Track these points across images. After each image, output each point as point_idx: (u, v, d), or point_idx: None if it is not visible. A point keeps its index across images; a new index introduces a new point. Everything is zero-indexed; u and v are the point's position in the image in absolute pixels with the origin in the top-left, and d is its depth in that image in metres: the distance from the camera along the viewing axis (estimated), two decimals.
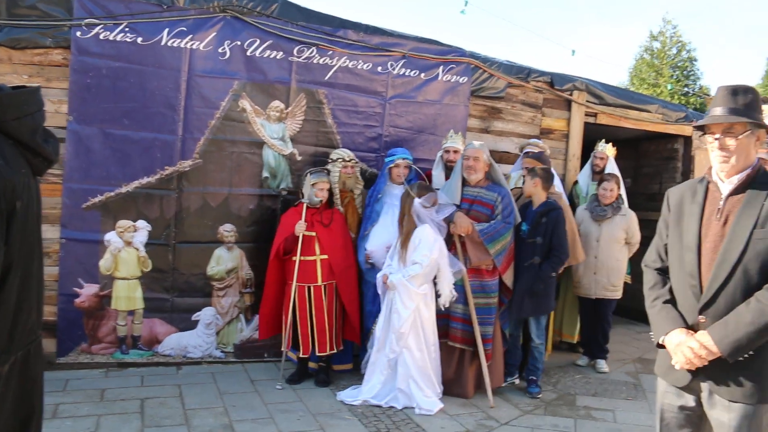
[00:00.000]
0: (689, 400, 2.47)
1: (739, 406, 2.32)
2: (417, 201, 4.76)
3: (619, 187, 5.97)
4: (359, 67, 5.88)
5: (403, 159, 5.37)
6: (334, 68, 5.78)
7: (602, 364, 6.01)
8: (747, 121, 2.36)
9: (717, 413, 2.38)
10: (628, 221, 5.93)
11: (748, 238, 2.30)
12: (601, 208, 5.90)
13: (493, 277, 5.03)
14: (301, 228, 4.98)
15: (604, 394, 5.28)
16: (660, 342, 2.50)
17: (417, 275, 4.63)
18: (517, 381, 5.44)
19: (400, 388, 4.69)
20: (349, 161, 5.42)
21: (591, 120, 7.09)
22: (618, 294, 5.99)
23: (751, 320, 2.24)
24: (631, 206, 6.34)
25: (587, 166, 6.63)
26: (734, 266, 2.32)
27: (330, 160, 5.48)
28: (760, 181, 2.40)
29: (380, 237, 5.23)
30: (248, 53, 5.47)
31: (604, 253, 5.88)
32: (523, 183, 5.54)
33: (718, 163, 2.42)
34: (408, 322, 4.65)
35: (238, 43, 5.43)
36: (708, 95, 22.51)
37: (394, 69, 6.01)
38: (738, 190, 2.41)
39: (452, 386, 4.98)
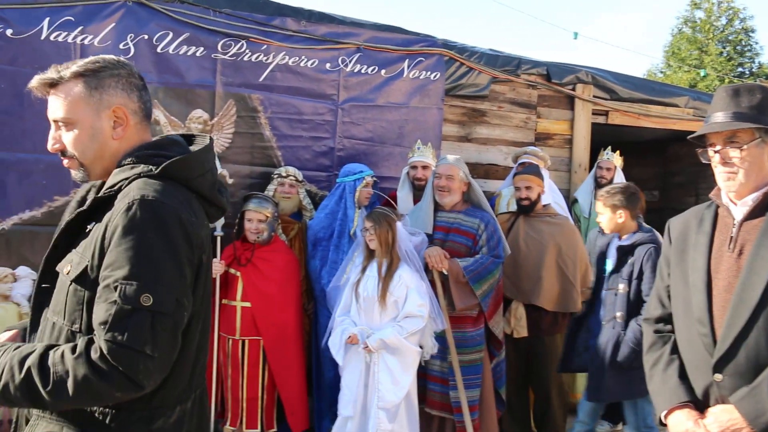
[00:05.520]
0: None
1: None
2: (401, 226, 4.54)
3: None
4: (302, 64, 5.73)
5: (371, 176, 5.33)
6: (271, 67, 5.63)
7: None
8: (754, 127, 2.31)
9: None
10: None
11: None
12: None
13: (476, 327, 4.82)
14: (217, 268, 4.76)
15: None
16: (661, 421, 2.45)
17: (416, 332, 4.39)
18: None
19: None
20: (286, 177, 5.30)
21: (601, 120, 7.00)
22: None
23: None
24: (658, 225, 6.05)
25: (589, 180, 6.50)
26: (755, 308, 2.23)
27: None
28: None
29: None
30: (159, 50, 5.29)
31: None
32: (519, 205, 5.36)
33: (722, 181, 2.38)
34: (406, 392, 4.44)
35: (146, 36, 5.24)
36: None
37: (346, 66, 5.88)
38: (754, 214, 2.36)
39: None
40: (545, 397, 5.32)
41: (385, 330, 4.39)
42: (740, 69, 23.35)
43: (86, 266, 1.83)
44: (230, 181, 5.46)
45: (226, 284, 4.87)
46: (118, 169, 1.93)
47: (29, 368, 1.75)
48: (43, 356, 1.76)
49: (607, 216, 4.57)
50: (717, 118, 2.38)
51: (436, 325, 4.58)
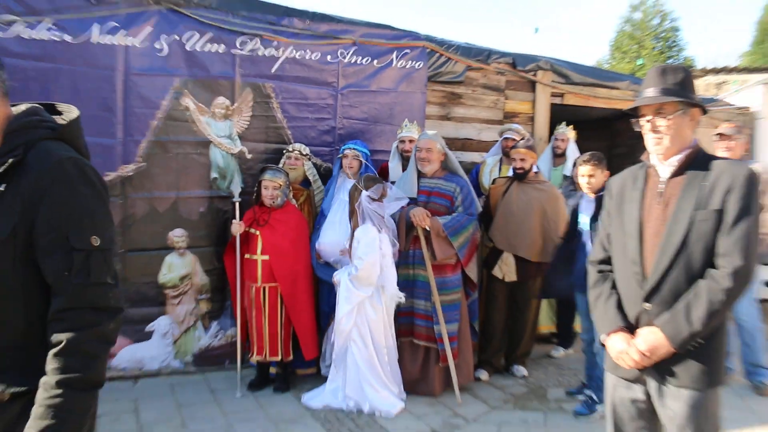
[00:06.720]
0: (639, 393, 2.60)
1: (688, 393, 2.45)
2: (364, 194, 5.01)
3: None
4: (307, 57, 6.15)
5: (352, 149, 5.70)
6: (281, 60, 6.05)
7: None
8: (677, 101, 2.48)
9: (666, 403, 2.51)
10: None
11: (689, 219, 2.42)
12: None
13: (455, 273, 5.39)
14: (236, 228, 5.35)
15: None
16: (602, 342, 2.70)
17: (357, 277, 4.93)
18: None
19: (348, 395, 5.01)
20: (292, 152, 5.78)
21: (558, 101, 7.40)
22: None
23: (704, 313, 2.36)
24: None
25: (548, 150, 6.96)
26: (677, 250, 2.43)
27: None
28: (699, 162, 2.50)
29: (330, 233, 5.55)
30: (188, 48, 5.70)
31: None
32: (514, 173, 5.76)
33: (652, 145, 2.55)
34: (347, 322, 4.96)
35: (176, 37, 5.65)
36: (693, 67, 23.73)
37: (344, 57, 6.31)
38: (678, 172, 2.52)
39: (418, 385, 5.32)
40: (522, 327, 5.94)
41: (341, 271, 5.10)
42: (670, 60, 25.03)
43: (13, 226, 1.80)
44: (249, 156, 5.93)
45: (247, 241, 5.40)
46: (11, 134, 1.88)
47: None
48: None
49: (599, 177, 4.94)
50: (648, 93, 2.53)
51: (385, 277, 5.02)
